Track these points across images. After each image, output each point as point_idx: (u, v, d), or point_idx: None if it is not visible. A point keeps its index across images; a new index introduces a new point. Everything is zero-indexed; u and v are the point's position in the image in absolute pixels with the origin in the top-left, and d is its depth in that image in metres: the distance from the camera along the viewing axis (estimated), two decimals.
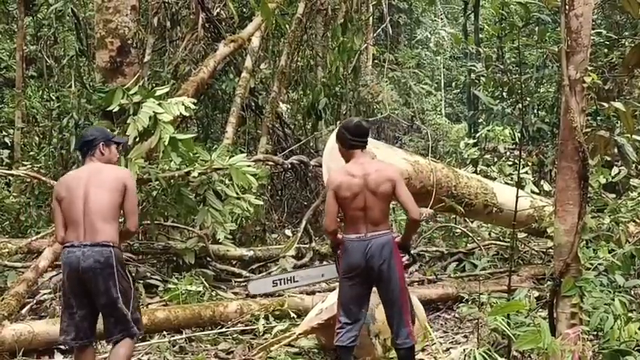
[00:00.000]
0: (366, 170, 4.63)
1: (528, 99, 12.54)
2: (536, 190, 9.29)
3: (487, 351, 3.60)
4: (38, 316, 6.23)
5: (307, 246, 8.84)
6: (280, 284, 6.78)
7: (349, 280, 4.73)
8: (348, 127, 4.79)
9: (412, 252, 4.97)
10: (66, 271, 4.11)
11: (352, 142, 4.75)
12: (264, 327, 6.18)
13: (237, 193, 7.07)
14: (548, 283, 6.32)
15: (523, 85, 11.87)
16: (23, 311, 5.99)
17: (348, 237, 4.65)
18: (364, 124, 4.84)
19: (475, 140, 11.78)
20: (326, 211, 4.80)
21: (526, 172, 9.78)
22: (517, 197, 5.28)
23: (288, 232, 9.01)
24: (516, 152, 11.39)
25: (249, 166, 7.08)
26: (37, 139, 11.02)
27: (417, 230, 4.85)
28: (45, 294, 6.55)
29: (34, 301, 6.43)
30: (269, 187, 10.49)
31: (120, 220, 4.30)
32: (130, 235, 4.57)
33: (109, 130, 4.84)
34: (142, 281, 6.94)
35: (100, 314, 4.19)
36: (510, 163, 10.52)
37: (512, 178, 10.20)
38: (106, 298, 4.06)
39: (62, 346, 5.46)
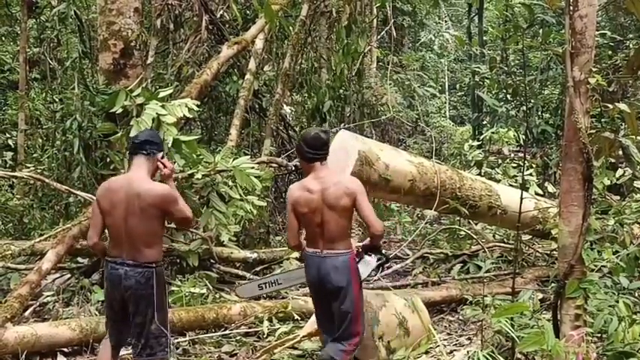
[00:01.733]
0: (325, 185, 4.45)
1: (532, 101, 12.51)
2: (541, 192, 9.27)
3: (491, 353, 3.57)
4: (41, 319, 6.23)
5: None
6: (266, 287, 6.77)
7: (312, 293, 4.75)
8: (306, 139, 4.58)
9: (383, 252, 4.86)
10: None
11: (310, 154, 4.53)
12: (268, 329, 6.17)
13: (240, 195, 7.06)
14: (553, 285, 6.29)
15: (527, 87, 11.83)
16: (26, 313, 5.99)
17: (307, 251, 4.58)
18: (322, 136, 4.58)
19: (479, 142, 11.76)
20: (287, 226, 4.73)
21: (530, 174, 9.76)
22: (521, 199, 5.26)
23: None
24: (520, 154, 11.36)
25: (252, 168, 7.07)
26: (40, 141, 11.03)
27: (380, 240, 4.72)
28: (48, 296, 6.56)
29: (37, 304, 6.43)
30: (273, 190, 10.48)
31: None
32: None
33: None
34: None
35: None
36: (514, 165, 10.50)
37: (516, 180, 10.18)
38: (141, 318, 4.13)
39: (65, 349, 5.49)
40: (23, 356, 5.08)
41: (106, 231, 4.23)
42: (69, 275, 7.05)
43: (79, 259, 7.28)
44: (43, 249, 6.57)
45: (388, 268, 8.44)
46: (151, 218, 4.05)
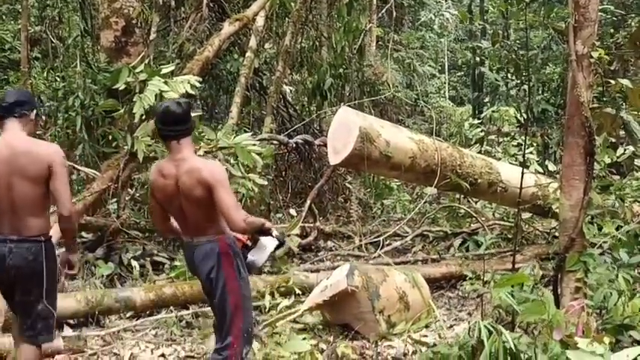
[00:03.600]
0: (178, 171, 3.83)
1: (533, 79, 12.52)
2: (541, 170, 9.32)
3: (492, 323, 3.64)
4: None
5: (312, 225, 8.91)
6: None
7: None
8: (156, 114, 3.99)
9: (275, 234, 4.06)
10: None
11: (161, 131, 3.90)
12: (270, 303, 6.23)
13: (242, 173, 7.08)
14: (553, 259, 6.35)
15: (529, 64, 11.83)
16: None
17: (183, 238, 4.07)
18: (173, 109, 3.86)
19: (480, 121, 11.79)
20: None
21: (531, 152, 9.81)
22: (522, 174, 5.31)
23: (292, 211, 9.04)
24: (520, 133, 11.39)
25: (254, 145, 7.09)
26: (42, 118, 11.03)
27: (255, 227, 3.88)
28: None
29: None
30: (273, 168, 10.52)
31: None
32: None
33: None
34: (148, 259, 6.99)
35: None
36: (515, 143, 10.54)
37: (516, 158, 10.23)
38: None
39: (71, 321, 5.56)
40: None
41: None
42: None
43: (84, 234, 7.34)
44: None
45: (387, 245, 8.51)
46: (38, 182, 3.62)
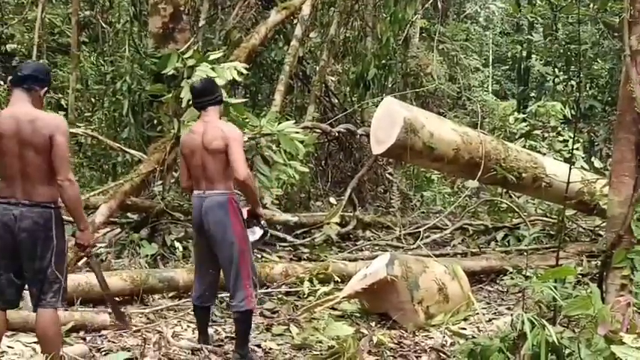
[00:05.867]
0: (205, 128, 4.56)
1: (582, 74, 12.29)
2: (587, 167, 9.16)
3: (535, 316, 3.61)
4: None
5: (351, 214, 8.93)
6: None
7: (194, 238, 4.83)
8: (191, 90, 4.89)
9: (263, 223, 4.76)
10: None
11: (194, 103, 4.84)
12: (309, 289, 6.28)
13: (284, 160, 7.13)
14: (597, 257, 6.27)
15: (580, 58, 11.60)
16: (79, 264, 6.19)
17: (194, 193, 4.65)
18: (198, 86, 4.79)
19: (525, 115, 11.61)
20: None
21: (577, 149, 9.64)
22: (570, 169, 5.24)
23: (332, 200, 9.07)
24: (567, 129, 11.19)
25: (296, 132, 7.14)
26: (92, 100, 11.28)
27: (252, 195, 4.64)
28: (101, 248, 6.79)
29: (91, 255, 6.64)
30: (314, 156, 10.57)
31: None
32: None
33: None
34: (191, 241, 7.09)
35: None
36: (561, 139, 10.37)
37: (562, 154, 10.06)
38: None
39: (116, 298, 5.69)
40: (78, 302, 5.28)
41: None
42: (119, 230, 7.28)
43: (129, 214, 7.49)
44: (96, 203, 6.77)
45: (426, 237, 8.48)
46: (43, 152, 3.70)
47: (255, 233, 4.66)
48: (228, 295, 4.70)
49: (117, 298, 5.58)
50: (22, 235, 3.74)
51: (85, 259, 5.68)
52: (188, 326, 5.32)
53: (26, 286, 3.93)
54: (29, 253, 3.77)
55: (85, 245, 4.04)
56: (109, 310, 5.18)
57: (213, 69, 6.72)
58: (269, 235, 5.51)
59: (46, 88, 3.94)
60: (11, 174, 3.76)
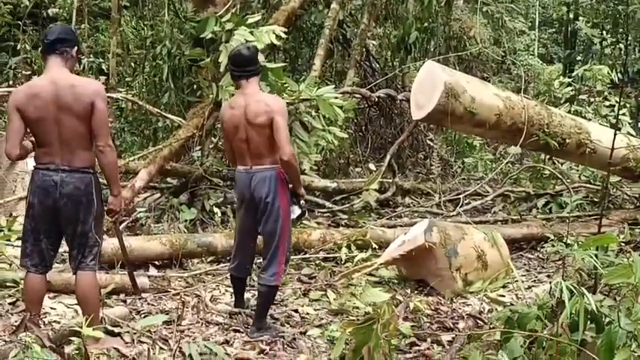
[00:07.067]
0: (247, 101, 4.42)
1: (630, 37, 11.84)
2: (633, 133, 8.89)
3: (574, 284, 3.54)
4: (134, 233, 6.56)
5: (390, 181, 8.87)
6: None
7: (239, 213, 4.71)
8: (230, 57, 4.65)
9: (302, 203, 4.67)
10: None
11: (234, 72, 4.55)
12: (346, 256, 6.28)
13: (323, 125, 7.08)
14: None
15: (628, 19, 11.16)
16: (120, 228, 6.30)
17: (238, 169, 4.57)
18: (244, 52, 4.52)
19: (570, 79, 11.27)
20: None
21: (623, 114, 9.34)
22: (615, 135, 5.06)
23: (371, 166, 9.01)
24: (614, 93, 10.84)
25: (336, 97, 7.06)
26: (132, 65, 11.36)
27: (295, 174, 4.54)
28: (140, 212, 6.89)
29: (130, 219, 6.77)
30: (354, 122, 10.49)
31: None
32: None
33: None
34: (229, 206, 7.15)
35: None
36: (607, 104, 10.08)
37: (608, 120, 9.79)
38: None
39: (156, 262, 5.79)
40: (118, 266, 5.39)
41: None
42: (159, 194, 7.37)
43: (169, 179, 7.58)
44: (136, 168, 6.86)
45: (466, 204, 8.39)
46: (83, 118, 3.75)
47: (293, 212, 4.63)
48: (262, 263, 4.71)
49: (156, 262, 5.70)
50: (64, 201, 3.80)
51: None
52: (226, 290, 5.39)
53: (66, 250, 4.01)
54: (71, 218, 3.84)
55: (116, 211, 4.07)
56: (149, 273, 5.29)
57: (251, 33, 6.66)
58: (306, 215, 5.49)
59: (76, 48, 3.97)
60: (50, 140, 3.81)
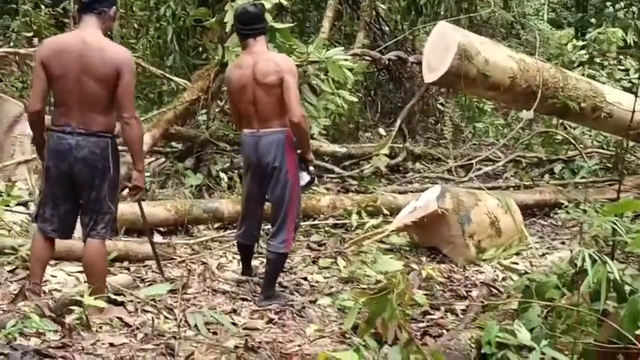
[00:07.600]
0: (256, 60, 4.23)
1: None
2: None
3: (596, 253, 3.40)
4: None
5: (401, 146, 8.72)
6: None
7: (246, 178, 4.54)
8: (236, 15, 4.45)
9: (311, 169, 4.49)
10: None
11: (241, 30, 4.35)
12: (357, 222, 6.16)
13: (332, 89, 6.92)
14: None
15: None
16: (124, 193, 6.17)
17: (245, 132, 4.40)
18: (250, 10, 4.35)
19: (584, 43, 11.01)
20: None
21: (638, 77, 9.11)
22: (636, 98, 4.88)
23: (381, 130, 8.83)
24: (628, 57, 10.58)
25: (345, 60, 6.88)
26: (136, 27, 11.15)
27: (305, 138, 4.37)
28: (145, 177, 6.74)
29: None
30: (363, 85, 10.29)
31: None
32: None
33: None
34: (236, 171, 7.01)
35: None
36: (622, 68, 9.84)
37: (621, 84, 9.57)
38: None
39: (160, 228, 5.66)
40: (122, 231, 5.25)
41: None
42: (163, 159, 7.23)
43: (174, 143, 7.42)
44: None
45: (478, 170, 8.25)
46: (106, 83, 3.61)
47: (302, 179, 4.46)
48: (270, 229, 4.57)
49: (160, 228, 5.57)
50: (79, 165, 3.67)
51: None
52: (233, 258, 5.27)
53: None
54: (85, 183, 3.71)
55: (140, 187, 3.92)
56: (154, 240, 5.15)
57: None
58: (315, 181, 5.33)
59: (114, 8, 3.82)
60: (67, 101, 3.67)
